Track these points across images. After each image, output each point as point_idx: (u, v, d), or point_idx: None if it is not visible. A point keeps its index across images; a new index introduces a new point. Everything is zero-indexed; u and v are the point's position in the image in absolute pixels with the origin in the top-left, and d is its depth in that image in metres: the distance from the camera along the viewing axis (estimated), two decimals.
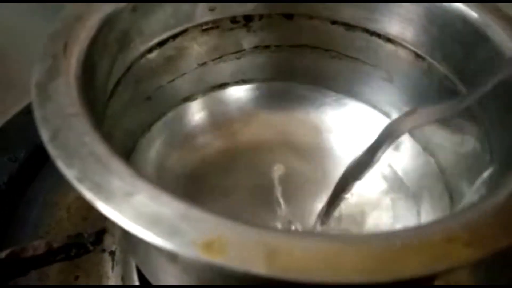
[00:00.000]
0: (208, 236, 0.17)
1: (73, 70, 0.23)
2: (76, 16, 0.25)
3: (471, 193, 0.27)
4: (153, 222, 0.17)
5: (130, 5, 0.28)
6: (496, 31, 0.27)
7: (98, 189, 0.18)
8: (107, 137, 0.23)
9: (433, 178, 0.31)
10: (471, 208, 0.19)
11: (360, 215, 0.32)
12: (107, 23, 0.26)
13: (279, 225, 0.32)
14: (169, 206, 0.17)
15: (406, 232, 0.18)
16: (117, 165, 0.18)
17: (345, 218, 0.31)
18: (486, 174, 0.26)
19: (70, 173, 0.18)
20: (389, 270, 0.16)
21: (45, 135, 0.19)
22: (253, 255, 0.16)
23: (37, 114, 0.20)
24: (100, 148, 0.19)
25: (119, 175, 0.18)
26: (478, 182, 0.27)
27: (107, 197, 0.18)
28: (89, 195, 0.18)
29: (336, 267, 0.16)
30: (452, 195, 0.30)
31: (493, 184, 0.24)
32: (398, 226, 0.31)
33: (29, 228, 0.35)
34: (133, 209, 0.17)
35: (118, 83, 0.28)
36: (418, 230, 0.18)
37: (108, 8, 0.26)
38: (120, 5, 0.27)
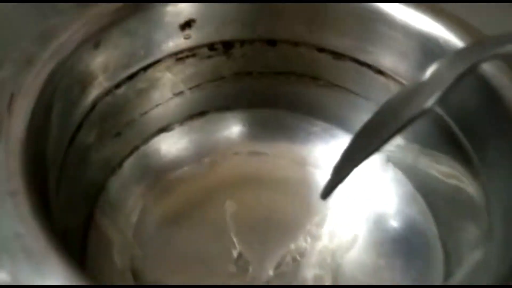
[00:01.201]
0: None
1: (18, 131, 0.20)
2: (26, 59, 0.22)
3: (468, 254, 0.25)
4: None
5: (92, 41, 0.25)
6: (495, 68, 0.24)
7: None
8: (64, 201, 0.21)
9: (427, 225, 0.29)
10: None
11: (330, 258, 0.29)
12: (63, 66, 0.23)
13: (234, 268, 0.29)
14: None
15: None
16: (54, 265, 0.16)
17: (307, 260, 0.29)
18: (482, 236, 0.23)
19: None
20: None
21: None
22: None
23: None
24: (37, 242, 0.17)
25: (53, 280, 0.16)
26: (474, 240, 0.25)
27: None
28: None
29: None
30: (446, 247, 0.28)
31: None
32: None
33: None
34: None
35: (80, 126, 0.26)
36: None
37: (65, 48, 0.24)
38: (79, 42, 0.24)
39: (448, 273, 0.27)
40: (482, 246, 0.24)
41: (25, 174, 0.19)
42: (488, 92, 0.24)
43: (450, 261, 0.27)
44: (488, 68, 0.24)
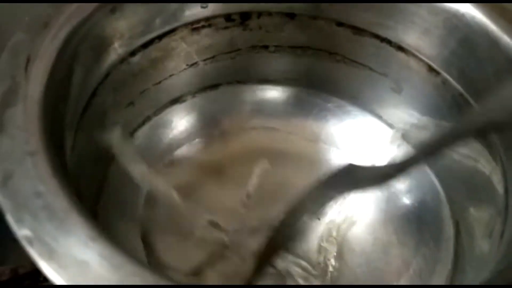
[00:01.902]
0: None
1: (36, 94, 0.19)
2: (43, 22, 0.22)
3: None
4: None
5: (109, 6, 0.24)
6: None
7: (51, 254, 0.15)
8: (78, 166, 0.20)
9: (440, 204, 0.29)
10: None
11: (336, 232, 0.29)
12: (80, 30, 0.23)
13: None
14: (133, 279, 0.15)
15: None
16: (75, 223, 0.16)
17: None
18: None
19: (19, 232, 0.16)
20: None
21: None
22: None
23: None
24: (58, 200, 0.16)
25: (76, 237, 0.16)
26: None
27: (61, 265, 0.15)
28: (39, 262, 0.15)
29: None
30: (458, 223, 0.28)
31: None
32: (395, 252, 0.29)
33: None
34: (90, 283, 0.15)
35: (94, 93, 0.25)
36: None
37: (82, 11, 0.23)
38: (96, 6, 0.24)
39: (458, 252, 0.26)
40: (496, 225, 0.24)
41: (43, 135, 0.18)
42: (509, 67, 0.24)
43: (461, 240, 0.27)
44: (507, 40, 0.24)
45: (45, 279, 0.26)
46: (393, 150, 0.31)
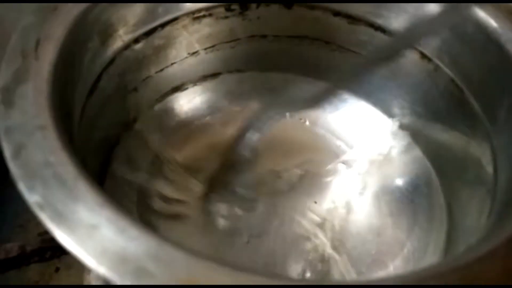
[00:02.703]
0: (177, 279, 0.15)
1: (45, 72, 0.21)
2: (52, 7, 0.23)
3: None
4: (119, 261, 0.16)
5: None
6: (510, 38, 0.25)
7: (60, 219, 0.16)
8: (83, 146, 0.21)
9: (432, 186, 0.30)
10: (466, 253, 0.17)
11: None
12: (87, 14, 0.24)
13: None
14: (137, 242, 0.16)
15: (396, 279, 0.16)
16: (83, 190, 0.17)
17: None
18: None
19: (30, 198, 0.17)
20: None
21: (7, 151, 0.18)
22: None
23: (1, 125, 0.18)
24: (67, 170, 0.17)
25: (85, 203, 0.17)
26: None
27: (70, 228, 0.16)
28: (50, 226, 0.16)
29: None
30: (450, 205, 0.29)
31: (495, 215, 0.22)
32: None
33: (8, 216, 0.34)
34: (98, 245, 0.16)
35: (99, 78, 0.26)
36: (409, 277, 0.16)
37: None
38: None
39: (451, 232, 0.27)
40: (485, 204, 0.25)
41: (52, 110, 0.19)
42: (499, 53, 0.25)
43: (454, 220, 0.28)
44: (498, 30, 0.25)
45: (51, 256, 0.27)
46: (388, 136, 0.32)
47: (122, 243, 0.16)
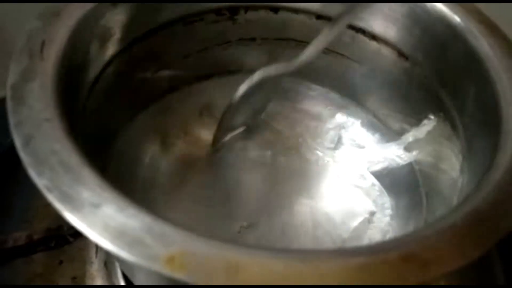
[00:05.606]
0: (170, 250, 0.17)
1: (50, 71, 0.23)
2: (55, 13, 0.25)
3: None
4: (119, 235, 0.17)
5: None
6: (474, 35, 0.27)
7: (67, 199, 0.18)
8: (84, 139, 0.23)
9: (411, 178, 0.32)
10: (430, 227, 0.19)
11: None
12: (87, 20, 0.26)
13: None
14: (135, 218, 0.18)
15: (364, 250, 0.18)
16: (86, 175, 0.19)
17: None
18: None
19: (39, 182, 0.19)
20: None
21: (18, 142, 0.20)
22: (213, 269, 0.17)
23: (11, 119, 0.20)
24: (71, 157, 0.19)
25: (88, 186, 0.19)
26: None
27: (75, 207, 0.18)
28: (57, 205, 0.18)
29: (293, 284, 0.17)
30: (428, 190, 0.31)
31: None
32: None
33: (16, 211, 0.36)
34: (100, 220, 0.18)
35: (97, 79, 0.28)
36: (375, 247, 0.18)
37: (88, 5, 0.26)
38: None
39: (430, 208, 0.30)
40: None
41: (57, 105, 0.21)
42: (464, 46, 0.27)
43: (432, 199, 0.30)
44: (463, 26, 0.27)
45: (56, 244, 0.29)
46: (370, 132, 0.34)
47: (122, 219, 0.18)
